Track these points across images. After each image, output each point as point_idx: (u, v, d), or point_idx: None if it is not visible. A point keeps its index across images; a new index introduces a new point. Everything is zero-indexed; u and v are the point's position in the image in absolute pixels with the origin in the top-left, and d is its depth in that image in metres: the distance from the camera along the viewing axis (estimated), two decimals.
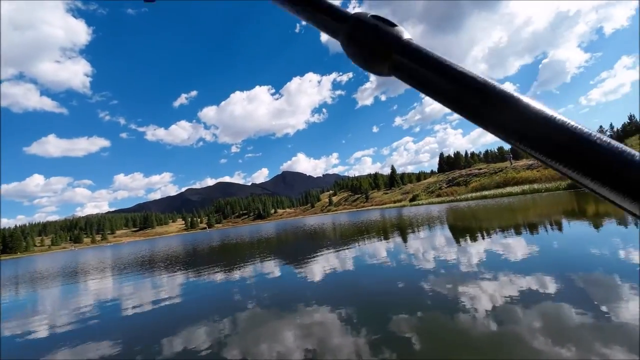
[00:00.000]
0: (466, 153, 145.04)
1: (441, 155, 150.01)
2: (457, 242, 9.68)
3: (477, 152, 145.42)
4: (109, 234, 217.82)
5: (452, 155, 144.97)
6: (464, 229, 13.49)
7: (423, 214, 27.26)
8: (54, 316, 6.93)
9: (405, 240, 11.89)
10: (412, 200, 69.65)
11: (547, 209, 17.48)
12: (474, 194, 43.57)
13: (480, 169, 60.34)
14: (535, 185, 34.03)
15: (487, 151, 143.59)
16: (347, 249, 11.39)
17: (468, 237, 10.24)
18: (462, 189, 53.35)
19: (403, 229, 16.90)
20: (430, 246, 9.49)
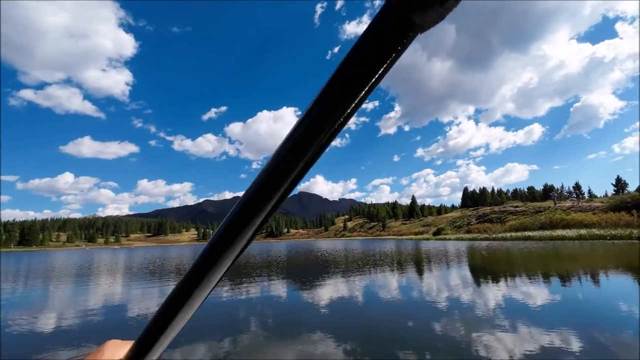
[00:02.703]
0: (493, 190, 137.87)
1: (465, 189, 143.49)
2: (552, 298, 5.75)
3: (499, 190, 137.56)
4: (123, 236, 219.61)
5: (478, 191, 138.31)
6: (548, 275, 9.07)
7: (465, 252, 22.70)
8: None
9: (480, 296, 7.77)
10: (436, 233, 64.05)
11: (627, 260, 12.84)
12: (512, 234, 38.23)
13: (517, 206, 54.61)
14: (596, 231, 28.73)
15: (516, 190, 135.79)
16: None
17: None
18: (497, 226, 47.76)
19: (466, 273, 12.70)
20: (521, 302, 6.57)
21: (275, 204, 0.23)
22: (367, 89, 0.20)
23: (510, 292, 7.76)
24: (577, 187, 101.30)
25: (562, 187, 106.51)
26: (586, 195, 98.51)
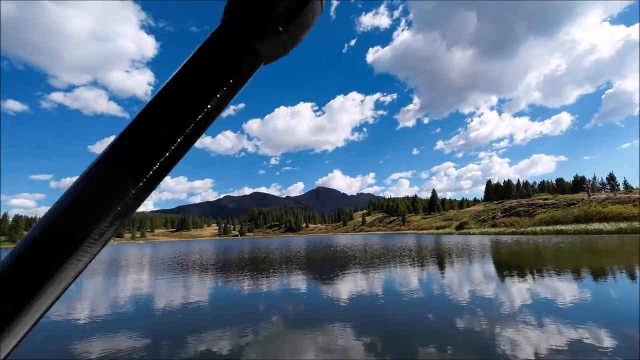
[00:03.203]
0: (518, 182, 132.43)
1: (489, 182, 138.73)
2: None
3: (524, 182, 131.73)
4: (148, 231, 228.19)
5: (502, 184, 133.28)
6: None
7: (498, 247, 21.63)
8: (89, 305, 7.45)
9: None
10: (459, 227, 62.21)
11: None
12: (543, 228, 36.32)
13: (546, 199, 51.94)
14: (638, 224, 26.65)
15: (543, 182, 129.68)
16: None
17: None
18: (525, 220, 45.61)
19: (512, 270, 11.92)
20: None
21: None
22: (197, 121, 0.18)
23: (556, 292, 7.05)
24: (611, 178, 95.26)
25: (595, 178, 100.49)
26: (621, 186, 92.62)
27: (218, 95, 0.19)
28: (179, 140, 0.20)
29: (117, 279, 12.55)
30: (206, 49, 0.19)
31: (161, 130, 0.19)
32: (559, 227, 34.44)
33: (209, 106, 0.19)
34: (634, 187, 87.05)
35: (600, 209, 35.09)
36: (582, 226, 31.46)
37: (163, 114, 0.19)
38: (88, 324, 5.79)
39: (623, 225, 27.81)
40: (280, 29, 0.16)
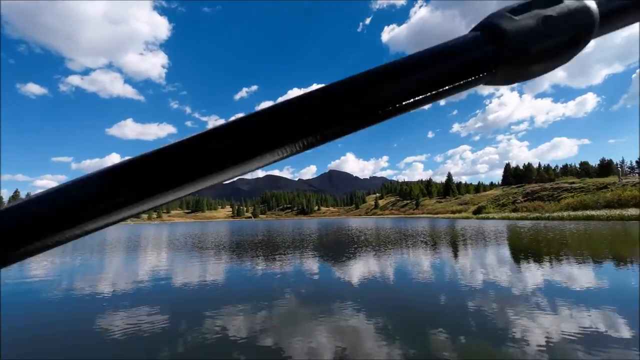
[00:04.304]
0: (539, 165, 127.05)
1: (507, 166, 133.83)
2: None
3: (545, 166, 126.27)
4: (164, 212, 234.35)
5: (522, 167, 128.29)
6: None
7: (535, 234, 19.95)
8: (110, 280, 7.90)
9: None
10: (476, 212, 60.06)
11: None
12: (571, 213, 34.04)
13: (573, 182, 49.01)
14: None
15: (566, 165, 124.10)
16: None
17: None
18: (549, 205, 43.11)
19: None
20: None
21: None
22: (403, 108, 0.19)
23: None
24: None
25: (623, 161, 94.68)
26: None
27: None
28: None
29: (137, 258, 12.63)
30: (451, 49, 0.18)
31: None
32: (588, 212, 32.10)
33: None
34: None
35: (637, 193, 32.39)
36: (617, 212, 29.07)
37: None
38: (109, 299, 6.04)
39: None
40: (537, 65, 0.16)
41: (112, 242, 21.06)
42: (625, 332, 3.85)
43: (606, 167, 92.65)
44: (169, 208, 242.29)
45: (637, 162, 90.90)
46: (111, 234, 33.60)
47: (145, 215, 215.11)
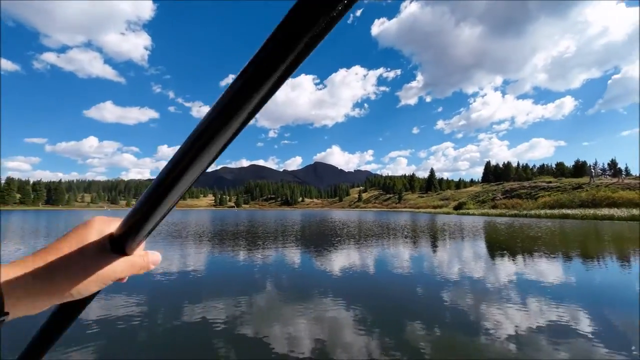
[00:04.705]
0: (518, 164, 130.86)
1: (488, 164, 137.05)
2: None
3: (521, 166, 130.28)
4: None
5: (501, 166, 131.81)
6: None
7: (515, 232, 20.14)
8: None
9: None
10: (457, 208, 61.21)
11: None
12: (547, 211, 35.03)
13: (550, 182, 50.60)
14: None
15: (543, 165, 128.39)
16: None
17: None
18: (527, 202, 44.31)
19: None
20: None
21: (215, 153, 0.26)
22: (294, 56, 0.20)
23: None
24: (614, 164, 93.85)
25: (596, 163, 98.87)
26: (623, 173, 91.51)
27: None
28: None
29: None
30: None
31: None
32: (565, 211, 33.12)
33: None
34: (634, 174, 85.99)
35: (609, 194, 33.65)
36: (591, 211, 30.09)
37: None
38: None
39: (636, 212, 26.44)
40: None
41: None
42: (585, 325, 4.02)
43: (580, 168, 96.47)
44: None
45: (608, 164, 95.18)
46: (77, 220, 32.06)
47: (124, 201, 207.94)
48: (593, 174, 47.74)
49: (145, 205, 0.29)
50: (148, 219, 0.29)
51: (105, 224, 0.34)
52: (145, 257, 0.35)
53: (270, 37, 0.20)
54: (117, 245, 0.33)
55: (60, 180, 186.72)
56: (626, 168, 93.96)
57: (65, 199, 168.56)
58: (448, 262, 8.41)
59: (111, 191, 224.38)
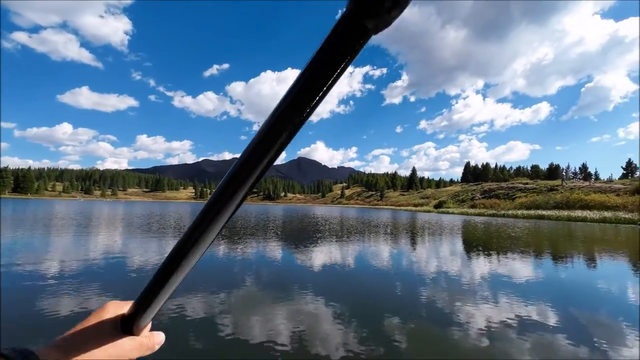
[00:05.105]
0: (496, 166, 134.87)
1: (467, 164, 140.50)
2: None
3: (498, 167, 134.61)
4: (120, 190, 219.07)
5: (480, 166, 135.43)
6: None
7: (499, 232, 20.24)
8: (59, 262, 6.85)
9: None
10: (437, 206, 62.20)
11: None
12: (524, 212, 35.95)
13: (526, 183, 52.19)
14: (623, 214, 26.25)
15: (519, 167, 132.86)
16: None
17: None
18: (505, 203, 45.47)
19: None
20: None
21: (263, 169, 0.27)
22: (329, 84, 0.23)
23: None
24: (585, 168, 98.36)
25: (569, 167, 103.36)
26: (593, 177, 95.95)
27: (342, 66, 0.22)
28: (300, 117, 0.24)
29: (87, 237, 11.21)
30: (334, 33, 0.22)
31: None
32: (540, 212, 34.07)
33: (334, 77, 0.23)
34: (602, 178, 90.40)
35: (582, 196, 34.90)
36: (565, 213, 31.07)
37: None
38: (57, 280, 5.38)
39: (607, 214, 27.46)
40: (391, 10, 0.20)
41: (55, 219, 18.44)
42: (551, 319, 4.25)
43: (554, 171, 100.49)
44: (126, 185, 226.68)
45: (580, 168, 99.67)
46: (53, 210, 30.09)
47: (98, 192, 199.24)
48: (565, 177, 49.56)
49: (156, 286, 0.31)
50: (156, 300, 0.32)
51: (118, 307, 0.39)
52: (151, 337, 0.39)
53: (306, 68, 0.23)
54: (126, 326, 0.37)
55: (30, 167, 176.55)
56: (596, 172, 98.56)
57: (34, 187, 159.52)
58: (426, 259, 8.47)
59: (85, 181, 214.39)
